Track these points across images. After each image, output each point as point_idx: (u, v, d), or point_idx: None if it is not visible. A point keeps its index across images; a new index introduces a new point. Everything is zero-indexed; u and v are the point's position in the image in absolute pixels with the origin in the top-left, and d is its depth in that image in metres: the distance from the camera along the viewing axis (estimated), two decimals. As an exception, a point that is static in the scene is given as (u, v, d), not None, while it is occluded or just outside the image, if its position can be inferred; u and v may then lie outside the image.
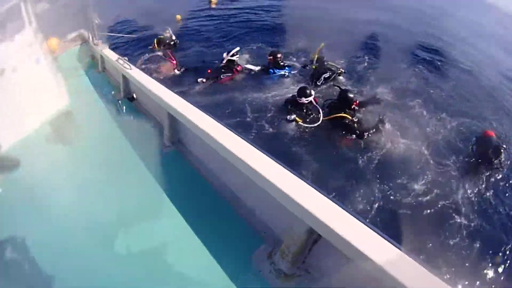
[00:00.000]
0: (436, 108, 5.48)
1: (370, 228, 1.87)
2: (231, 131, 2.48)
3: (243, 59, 6.54)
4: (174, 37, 7.66)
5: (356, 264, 1.83)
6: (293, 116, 4.81)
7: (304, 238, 2.12)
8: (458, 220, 3.35)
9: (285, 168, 2.20)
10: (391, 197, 3.56)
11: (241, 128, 4.49)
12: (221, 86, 5.82)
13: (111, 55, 4.00)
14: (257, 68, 6.14)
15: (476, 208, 3.54)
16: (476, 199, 3.64)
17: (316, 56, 6.23)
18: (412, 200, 3.55)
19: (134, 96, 3.74)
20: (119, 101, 3.82)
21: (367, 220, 1.92)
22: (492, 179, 3.89)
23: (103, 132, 3.61)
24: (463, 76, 7.33)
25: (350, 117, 4.66)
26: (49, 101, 3.82)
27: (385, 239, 1.80)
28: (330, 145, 4.47)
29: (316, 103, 4.99)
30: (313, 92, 4.96)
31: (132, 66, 3.52)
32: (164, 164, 2.95)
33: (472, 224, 3.33)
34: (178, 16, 8.67)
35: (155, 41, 7.56)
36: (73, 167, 3.07)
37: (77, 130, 3.61)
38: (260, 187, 2.16)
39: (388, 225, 2.95)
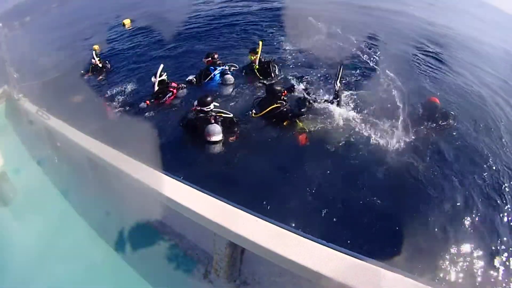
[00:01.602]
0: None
1: (290, 231, 1.94)
2: (149, 166, 2.53)
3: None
4: (99, 62, 7.57)
5: (285, 270, 1.91)
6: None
7: (228, 251, 2.18)
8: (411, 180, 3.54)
9: (189, 185, 2.28)
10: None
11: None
12: (168, 107, 5.36)
13: (32, 108, 3.91)
14: (191, 77, 5.90)
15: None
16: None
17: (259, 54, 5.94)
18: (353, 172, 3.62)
19: (58, 144, 3.67)
20: (49, 152, 3.75)
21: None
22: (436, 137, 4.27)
23: (37, 185, 3.54)
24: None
25: (280, 105, 4.42)
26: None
27: (308, 238, 1.86)
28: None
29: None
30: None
31: (51, 116, 3.47)
32: (92, 203, 3.00)
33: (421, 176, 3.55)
34: (96, 47, 8.63)
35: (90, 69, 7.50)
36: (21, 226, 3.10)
37: (13, 189, 3.54)
38: (177, 211, 2.22)
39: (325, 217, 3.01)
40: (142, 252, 2.62)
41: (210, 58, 6.13)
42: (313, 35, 7.61)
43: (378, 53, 6.87)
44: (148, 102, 5.41)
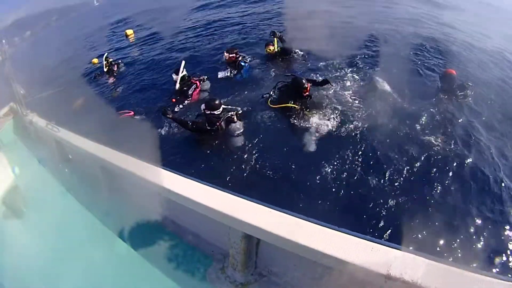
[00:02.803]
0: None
1: (304, 219, 2.00)
2: (160, 167, 2.61)
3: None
4: (113, 63, 7.81)
5: (303, 258, 1.96)
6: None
7: (244, 244, 2.24)
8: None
9: (202, 183, 2.34)
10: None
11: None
12: (195, 102, 5.34)
13: (41, 122, 4.01)
14: (224, 72, 5.93)
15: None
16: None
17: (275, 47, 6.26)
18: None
19: (70, 156, 3.76)
20: (60, 165, 3.85)
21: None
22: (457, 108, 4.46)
23: (48, 199, 3.62)
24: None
25: (297, 107, 4.45)
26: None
27: (324, 226, 1.90)
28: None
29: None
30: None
31: (60, 128, 3.56)
32: (109, 206, 3.06)
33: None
34: (95, 60, 8.80)
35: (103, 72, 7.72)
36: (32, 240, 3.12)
37: (26, 203, 3.63)
38: (191, 208, 2.29)
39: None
40: (157, 254, 2.67)
41: (234, 54, 6.15)
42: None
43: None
44: (174, 99, 5.30)
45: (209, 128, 4.16)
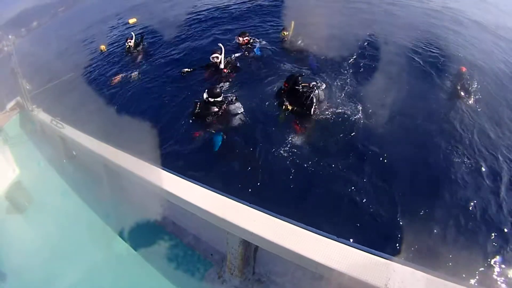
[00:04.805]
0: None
1: (303, 228, 1.99)
2: (162, 169, 2.62)
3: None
4: (136, 40, 8.03)
5: (298, 268, 1.96)
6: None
7: (242, 249, 2.26)
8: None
9: (203, 186, 2.36)
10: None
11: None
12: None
13: (46, 118, 4.05)
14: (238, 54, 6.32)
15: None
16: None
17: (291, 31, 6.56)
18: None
19: (74, 153, 3.80)
20: (64, 161, 3.89)
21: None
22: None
23: (52, 194, 3.68)
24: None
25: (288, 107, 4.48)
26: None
27: (324, 236, 1.90)
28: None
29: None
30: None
31: (65, 125, 3.59)
32: (111, 205, 3.10)
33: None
34: (103, 47, 8.89)
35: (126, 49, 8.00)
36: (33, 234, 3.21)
37: (28, 199, 3.69)
38: (191, 212, 2.31)
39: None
40: (157, 254, 2.71)
41: (246, 38, 6.67)
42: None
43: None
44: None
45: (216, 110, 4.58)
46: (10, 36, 4.73)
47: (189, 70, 6.09)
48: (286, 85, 4.59)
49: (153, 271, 2.56)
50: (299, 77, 4.56)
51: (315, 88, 4.46)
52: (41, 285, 2.57)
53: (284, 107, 4.52)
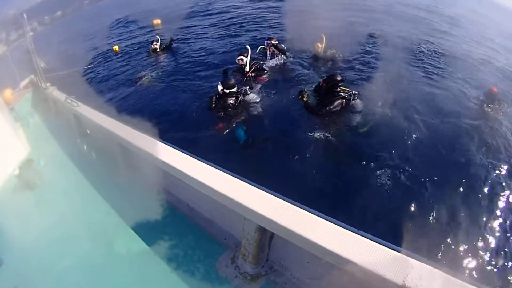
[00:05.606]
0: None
1: (320, 216, 1.96)
2: (178, 150, 2.58)
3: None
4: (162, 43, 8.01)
5: (313, 257, 1.91)
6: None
7: (257, 236, 2.22)
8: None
9: (220, 170, 2.32)
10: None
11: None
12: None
13: (60, 96, 4.03)
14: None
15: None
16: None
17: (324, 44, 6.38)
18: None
19: (88, 131, 3.78)
20: (78, 140, 3.87)
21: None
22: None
23: (64, 173, 3.67)
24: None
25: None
26: (11, 153, 3.91)
27: (343, 227, 1.87)
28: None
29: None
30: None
31: (80, 103, 3.57)
32: (124, 189, 3.07)
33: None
34: (116, 47, 8.86)
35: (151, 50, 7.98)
36: (44, 212, 3.17)
37: (40, 176, 3.68)
38: (207, 195, 2.26)
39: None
40: (170, 237, 2.68)
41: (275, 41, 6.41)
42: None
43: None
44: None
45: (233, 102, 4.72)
46: (24, 15, 4.68)
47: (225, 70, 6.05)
48: (324, 84, 4.57)
49: (164, 253, 2.54)
50: (341, 81, 4.49)
51: (355, 96, 4.46)
52: (50, 264, 2.55)
53: (300, 96, 4.58)
